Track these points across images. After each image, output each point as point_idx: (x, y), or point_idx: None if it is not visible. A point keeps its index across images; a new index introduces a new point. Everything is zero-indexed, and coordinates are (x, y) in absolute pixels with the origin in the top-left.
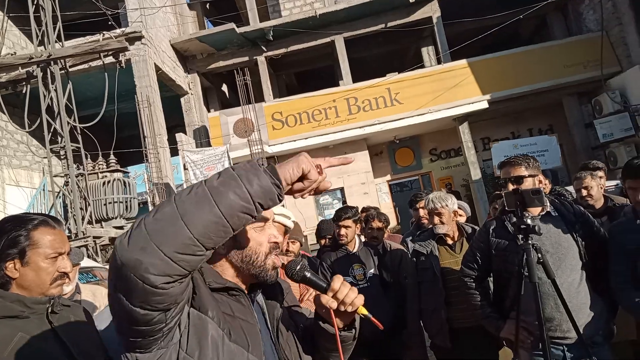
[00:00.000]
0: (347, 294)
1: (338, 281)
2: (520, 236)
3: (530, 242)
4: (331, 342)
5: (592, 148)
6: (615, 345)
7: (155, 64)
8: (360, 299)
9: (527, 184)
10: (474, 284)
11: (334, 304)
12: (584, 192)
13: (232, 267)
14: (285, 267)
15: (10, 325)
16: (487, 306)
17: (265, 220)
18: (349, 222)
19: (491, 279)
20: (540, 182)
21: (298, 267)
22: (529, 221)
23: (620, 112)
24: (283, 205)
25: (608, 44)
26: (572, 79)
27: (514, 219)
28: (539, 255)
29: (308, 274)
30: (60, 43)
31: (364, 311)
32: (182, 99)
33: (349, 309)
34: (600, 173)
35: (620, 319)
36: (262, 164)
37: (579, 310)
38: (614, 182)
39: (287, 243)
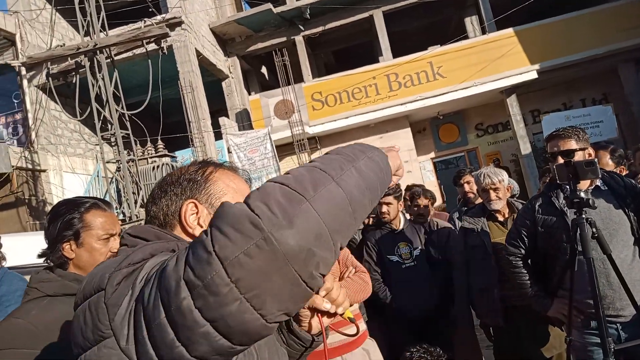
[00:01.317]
0: (340, 295)
1: (331, 280)
2: (573, 210)
3: (584, 216)
4: (297, 347)
5: None
6: None
7: (196, 49)
8: (348, 301)
9: (578, 158)
10: (520, 262)
11: (328, 305)
12: None
13: None
14: None
15: (70, 302)
16: (534, 284)
17: None
18: (390, 199)
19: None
20: (589, 155)
21: None
22: (582, 194)
23: None
24: None
25: None
26: (627, 44)
27: (565, 193)
28: (594, 230)
29: None
30: (105, 32)
31: (349, 314)
32: (223, 83)
33: (340, 311)
34: None
35: None
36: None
37: (632, 287)
38: None
39: None
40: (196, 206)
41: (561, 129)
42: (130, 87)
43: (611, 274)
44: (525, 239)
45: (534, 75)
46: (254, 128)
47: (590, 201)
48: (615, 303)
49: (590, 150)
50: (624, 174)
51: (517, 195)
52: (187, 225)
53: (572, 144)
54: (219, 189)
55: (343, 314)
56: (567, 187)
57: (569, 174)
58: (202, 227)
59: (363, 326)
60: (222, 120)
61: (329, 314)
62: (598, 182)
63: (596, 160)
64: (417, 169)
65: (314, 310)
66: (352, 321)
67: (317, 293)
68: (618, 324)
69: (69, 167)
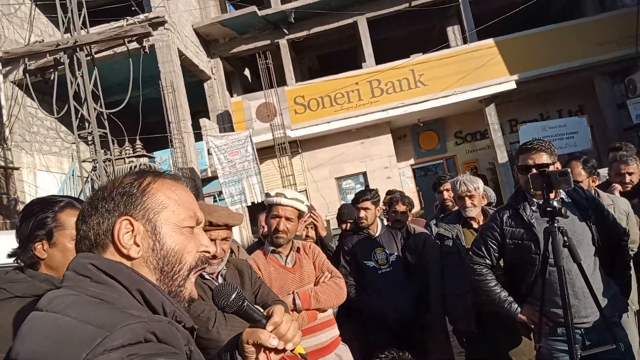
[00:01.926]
0: (289, 329)
1: (280, 313)
2: (545, 220)
3: (556, 225)
4: None
5: (624, 129)
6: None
7: (178, 49)
8: (299, 336)
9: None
10: (484, 269)
11: (275, 342)
12: (627, 178)
13: (152, 279)
14: (215, 293)
15: None
16: (499, 290)
17: (198, 223)
18: (367, 204)
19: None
20: (557, 169)
21: (234, 296)
22: (555, 203)
23: None
24: (305, 191)
25: None
26: (604, 58)
27: (531, 205)
28: (565, 239)
29: (245, 306)
30: (86, 30)
31: (301, 350)
32: (205, 84)
33: (289, 347)
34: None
35: None
36: None
37: (597, 294)
38: None
39: (307, 228)
40: (131, 223)
41: (534, 142)
42: (110, 85)
43: (576, 284)
44: (492, 251)
45: (512, 85)
46: (235, 130)
47: (563, 210)
48: (580, 311)
49: (558, 165)
50: (595, 184)
51: (493, 204)
52: (120, 245)
53: (546, 158)
54: (158, 202)
55: (293, 349)
56: (534, 199)
57: (543, 183)
58: (138, 246)
59: (336, 332)
60: (203, 121)
61: (277, 350)
62: (562, 195)
63: (569, 170)
64: (396, 175)
65: (260, 347)
66: (304, 357)
67: (264, 327)
68: (582, 329)
69: (44, 165)
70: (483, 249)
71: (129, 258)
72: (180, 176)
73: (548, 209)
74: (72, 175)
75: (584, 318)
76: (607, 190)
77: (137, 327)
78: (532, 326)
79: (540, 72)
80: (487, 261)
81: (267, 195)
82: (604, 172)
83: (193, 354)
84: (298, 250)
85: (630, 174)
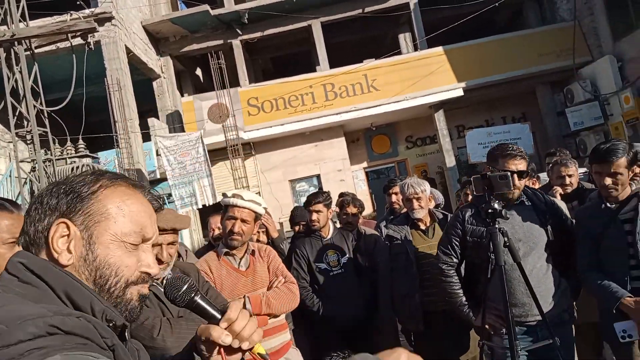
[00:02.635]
0: (244, 326)
1: (236, 309)
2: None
3: (497, 226)
4: None
5: (563, 136)
6: (579, 327)
7: (126, 46)
8: (259, 334)
9: (524, 180)
10: (452, 271)
11: (228, 339)
12: (567, 180)
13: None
14: (166, 285)
15: None
16: (461, 295)
17: (144, 239)
18: (320, 207)
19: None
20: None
21: (185, 288)
22: (496, 205)
23: (591, 101)
24: (258, 193)
25: (580, 33)
26: (545, 68)
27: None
28: (505, 239)
29: (197, 298)
30: (25, 23)
31: (261, 350)
32: (154, 83)
33: (245, 346)
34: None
35: (584, 302)
36: None
37: (547, 294)
38: (582, 170)
39: (258, 232)
40: (68, 227)
41: (514, 148)
42: (52, 82)
43: (525, 281)
44: (457, 248)
45: (460, 92)
46: (185, 131)
47: (503, 212)
48: (533, 310)
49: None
50: (536, 187)
51: (441, 206)
52: (52, 249)
53: (523, 165)
54: (103, 210)
55: (251, 349)
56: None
57: (485, 186)
58: (70, 252)
59: (287, 336)
60: (152, 121)
61: (233, 349)
62: (523, 198)
63: (509, 174)
64: (349, 177)
65: (213, 344)
66: (264, 358)
67: (217, 324)
68: (537, 329)
69: None
70: (449, 246)
71: (58, 264)
72: (143, 185)
73: (489, 210)
74: (10, 176)
75: (536, 316)
76: (548, 194)
77: (37, 321)
78: (487, 327)
79: (486, 80)
80: (454, 259)
81: (224, 195)
82: (544, 176)
83: (117, 348)
84: (253, 253)
85: (570, 176)
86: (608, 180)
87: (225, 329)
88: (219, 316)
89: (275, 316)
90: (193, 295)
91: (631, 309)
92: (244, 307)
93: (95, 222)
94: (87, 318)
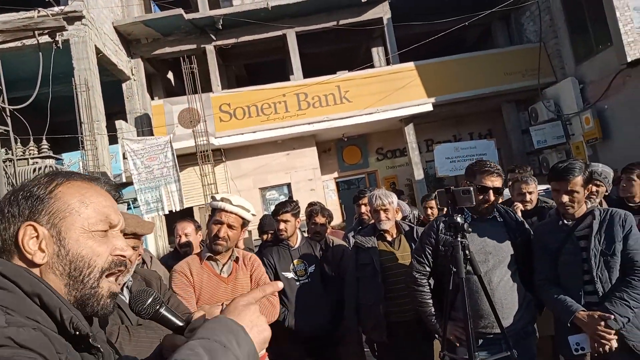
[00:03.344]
0: None
1: (199, 319)
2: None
3: (459, 239)
4: None
5: (527, 153)
6: (537, 340)
7: (95, 46)
8: None
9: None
10: (425, 281)
11: None
12: (528, 197)
13: (60, 284)
14: (131, 299)
15: None
16: (431, 305)
17: (111, 226)
18: (287, 216)
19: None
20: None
21: (150, 301)
22: (458, 219)
23: (554, 120)
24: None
25: (545, 55)
26: (511, 87)
27: (465, 216)
28: (466, 252)
29: (162, 310)
30: None
31: None
32: (123, 85)
33: None
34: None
35: (542, 315)
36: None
37: (512, 307)
38: (544, 187)
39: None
40: (35, 229)
41: (492, 165)
42: (16, 79)
43: (495, 295)
44: (429, 257)
45: (429, 107)
46: (154, 134)
47: (466, 226)
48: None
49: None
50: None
51: (408, 217)
52: (25, 251)
53: (499, 183)
54: (64, 206)
55: None
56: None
57: (448, 200)
58: (43, 251)
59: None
60: (119, 123)
61: None
62: (496, 214)
63: (472, 189)
64: (320, 187)
65: None
66: None
67: (182, 334)
68: (502, 341)
69: None
70: (423, 255)
71: (34, 264)
72: (96, 177)
73: (452, 224)
74: None
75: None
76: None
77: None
78: (451, 337)
79: (454, 96)
80: (427, 267)
81: (213, 198)
82: (506, 192)
83: None
84: (237, 260)
85: (530, 193)
86: (565, 198)
87: None
88: (183, 325)
89: None
90: (158, 307)
91: (584, 322)
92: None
93: (60, 218)
94: (43, 331)
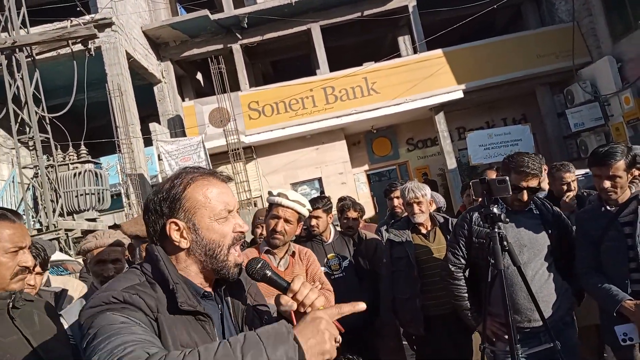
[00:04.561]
0: (306, 295)
1: (298, 282)
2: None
3: (496, 230)
4: None
5: (563, 137)
6: (582, 329)
7: (126, 51)
8: (321, 300)
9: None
10: (460, 274)
11: (293, 305)
12: (572, 185)
13: (195, 263)
14: (245, 265)
15: None
16: (466, 299)
17: (229, 211)
18: (319, 213)
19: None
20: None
21: (259, 266)
22: (495, 210)
23: (591, 102)
24: (260, 197)
25: (579, 34)
26: (544, 69)
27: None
28: (505, 244)
29: (269, 273)
30: (26, 29)
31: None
32: (155, 88)
33: (308, 311)
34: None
35: (585, 304)
36: (289, 332)
37: (549, 299)
38: (583, 171)
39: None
40: (177, 224)
41: (527, 165)
42: (53, 88)
43: (531, 288)
44: (463, 249)
45: (460, 94)
46: (187, 135)
47: (502, 216)
48: (534, 314)
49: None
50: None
51: (442, 209)
52: (173, 240)
53: (536, 182)
54: (194, 203)
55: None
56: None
57: (484, 190)
58: (185, 239)
59: None
60: (153, 126)
61: (302, 314)
62: (532, 207)
63: (507, 178)
64: (351, 180)
65: (290, 311)
66: None
67: (285, 293)
68: (540, 334)
69: None
70: (457, 247)
71: (181, 249)
72: (213, 171)
73: (489, 215)
74: (13, 181)
75: (537, 321)
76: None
77: (110, 292)
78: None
79: (486, 82)
80: (462, 260)
81: (270, 193)
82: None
83: (160, 317)
84: (293, 254)
85: (573, 181)
86: (607, 183)
87: (292, 297)
88: (286, 285)
89: None
90: (265, 270)
91: (631, 312)
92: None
93: (192, 213)
94: (141, 296)
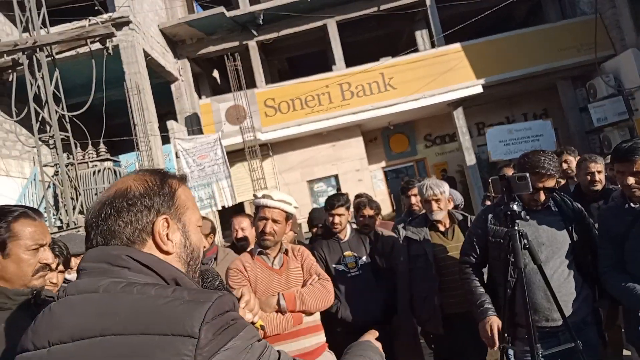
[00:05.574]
0: (255, 305)
1: (247, 293)
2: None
3: (516, 228)
4: None
5: (586, 132)
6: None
7: (144, 49)
8: (257, 308)
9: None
10: (469, 269)
11: (249, 316)
12: (597, 177)
13: (182, 269)
14: (202, 277)
15: None
16: (479, 294)
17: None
18: (342, 210)
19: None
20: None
21: (217, 283)
22: (515, 207)
23: (614, 96)
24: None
25: (602, 27)
26: (566, 63)
27: (506, 207)
28: (525, 242)
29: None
30: (46, 29)
31: (260, 322)
32: (172, 86)
33: (256, 319)
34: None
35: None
36: None
37: (568, 298)
38: None
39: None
40: (167, 222)
41: (543, 166)
42: (72, 87)
43: (546, 284)
44: (477, 248)
45: (479, 89)
46: (204, 133)
47: (523, 214)
48: (553, 314)
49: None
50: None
51: (460, 206)
52: (160, 241)
53: (552, 182)
54: (184, 203)
55: (256, 322)
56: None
57: (503, 187)
58: (171, 242)
59: (322, 338)
60: (171, 123)
61: None
62: (550, 204)
63: (527, 175)
64: (368, 177)
65: None
66: (263, 329)
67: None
68: (559, 334)
69: (3, 169)
70: (470, 245)
71: (166, 253)
72: (186, 177)
73: (508, 212)
74: (34, 180)
75: (557, 320)
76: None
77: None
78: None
79: (506, 76)
80: (473, 259)
81: (255, 196)
82: None
83: None
84: (286, 252)
85: (599, 172)
86: (631, 180)
87: (244, 307)
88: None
89: (311, 313)
90: (222, 287)
91: None
92: (278, 303)
93: (182, 213)
94: None
